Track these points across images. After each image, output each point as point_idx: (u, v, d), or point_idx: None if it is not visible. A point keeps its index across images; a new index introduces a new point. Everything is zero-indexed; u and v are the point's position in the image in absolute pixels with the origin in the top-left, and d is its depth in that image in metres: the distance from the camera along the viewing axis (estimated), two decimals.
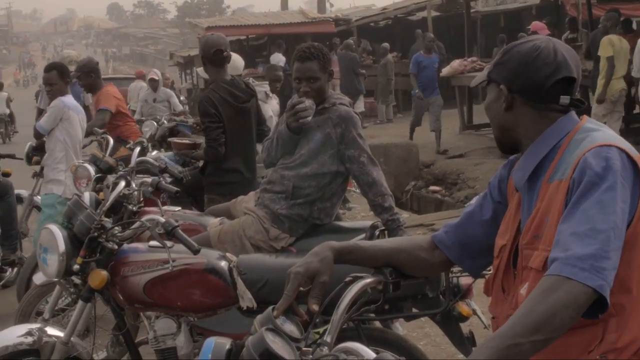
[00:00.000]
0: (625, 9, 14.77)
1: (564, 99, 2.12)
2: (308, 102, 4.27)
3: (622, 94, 10.53)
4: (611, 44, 10.18)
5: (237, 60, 7.01)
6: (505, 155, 2.34)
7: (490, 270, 2.31)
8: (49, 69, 7.12)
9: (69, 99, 6.93)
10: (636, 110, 12.88)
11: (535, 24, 12.57)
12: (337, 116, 4.34)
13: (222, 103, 5.57)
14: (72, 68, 9.68)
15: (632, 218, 1.95)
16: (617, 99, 10.35)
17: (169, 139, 7.18)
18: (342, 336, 2.06)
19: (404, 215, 8.68)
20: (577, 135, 2.08)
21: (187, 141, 6.66)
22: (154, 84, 12.44)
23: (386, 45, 20.73)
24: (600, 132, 2.06)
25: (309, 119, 4.28)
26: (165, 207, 5.04)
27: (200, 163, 6.02)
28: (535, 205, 2.09)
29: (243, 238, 4.39)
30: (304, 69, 4.35)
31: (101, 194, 5.11)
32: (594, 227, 1.84)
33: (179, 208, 5.15)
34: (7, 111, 23.84)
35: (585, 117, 2.19)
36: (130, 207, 4.99)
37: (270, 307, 1.94)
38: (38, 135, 7.01)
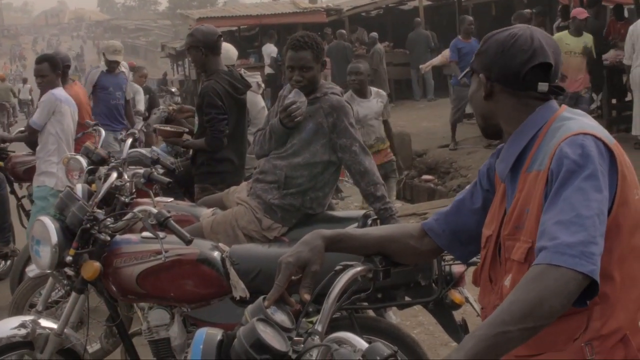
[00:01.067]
0: None
1: (542, 86, 2.12)
2: (299, 101, 4.29)
3: None
4: None
5: (230, 50, 7.00)
6: (494, 144, 2.35)
7: (479, 258, 2.32)
8: (40, 60, 7.10)
9: (59, 91, 6.90)
10: (628, 98, 12.86)
11: (576, 10, 12.47)
12: (328, 105, 4.34)
13: (225, 94, 5.57)
14: (117, 58, 9.64)
15: (612, 205, 1.95)
16: None
17: (155, 126, 7.15)
18: (336, 325, 2.07)
19: (397, 205, 8.71)
20: (554, 124, 2.08)
21: (169, 128, 6.63)
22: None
23: (374, 34, 20.67)
24: (575, 121, 2.07)
25: (303, 114, 4.30)
26: (158, 198, 5.04)
27: (190, 152, 6.01)
28: (515, 195, 2.10)
29: (236, 228, 4.39)
30: (297, 57, 4.35)
31: (93, 185, 5.10)
32: (579, 213, 1.85)
33: (172, 199, 5.15)
34: (30, 97, 31.35)
35: (564, 106, 2.19)
36: (122, 198, 4.98)
37: (261, 297, 1.95)
38: (33, 131, 6.93)
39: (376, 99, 7.82)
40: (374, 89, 7.97)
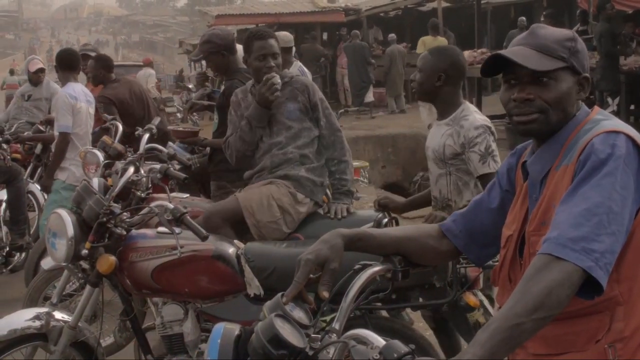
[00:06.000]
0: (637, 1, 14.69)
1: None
2: (277, 77, 4.51)
3: None
4: (423, 44, 13.50)
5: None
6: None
7: (497, 260, 2.31)
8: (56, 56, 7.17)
9: (71, 88, 6.79)
10: None
11: None
12: (300, 84, 4.66)
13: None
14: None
15: None
16: None
17: (169, 128, 7.16)
18: (349, 325, 2.06)
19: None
20: (586, 126, 2.08)
21: (181, 129, 6.64)
22: (37, 78, 9.08)
23: (392, 36, 20.61)
24: (609, 121, 2.07)
25: (279, 92, 4.52)
26: (174, 194, 5.05)
27: (208, 150, 6.01)
28: (542, 193, 2.10)
29: (270, 198, 4.43)
30: (268, 45, 4.58)
31: (109, 180, 5.12)
32: (589, 209, 1.86)
33: (187, 195, 5.16)
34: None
35: (596, 108, 2.18)
36: (138, 193, 5.00)
37: (280, 294, 1.95)
38: (65, 136, 6.76)
39: (448, 128, 4.05)
40: (470, 109, 4.10)
